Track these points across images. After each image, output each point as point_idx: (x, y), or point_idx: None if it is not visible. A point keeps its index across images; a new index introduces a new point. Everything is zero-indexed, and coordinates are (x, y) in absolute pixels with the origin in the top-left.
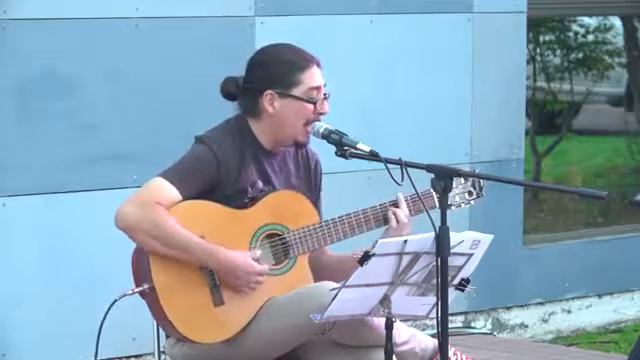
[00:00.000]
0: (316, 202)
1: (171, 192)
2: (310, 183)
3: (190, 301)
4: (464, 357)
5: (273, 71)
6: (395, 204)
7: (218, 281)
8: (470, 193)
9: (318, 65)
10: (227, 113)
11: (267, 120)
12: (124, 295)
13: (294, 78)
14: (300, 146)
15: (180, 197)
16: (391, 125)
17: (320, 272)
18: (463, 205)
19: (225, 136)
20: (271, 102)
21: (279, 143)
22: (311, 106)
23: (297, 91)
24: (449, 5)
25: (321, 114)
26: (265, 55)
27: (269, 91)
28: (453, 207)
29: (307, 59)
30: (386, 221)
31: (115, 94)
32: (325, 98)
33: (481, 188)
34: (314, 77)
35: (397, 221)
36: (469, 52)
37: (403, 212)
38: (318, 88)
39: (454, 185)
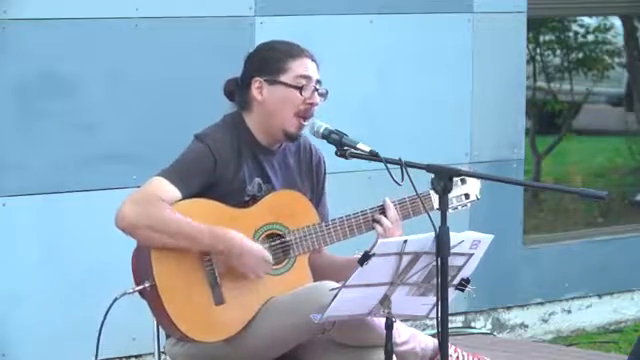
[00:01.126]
0: (319, 200)
1: (171, 190)
2: (312, 181)
3: (191, 300)
4: (465, 354)
5: (262, 59)
6: (382, 209)
7: (219, 280)
8: (467, 195)
9: (312, 59)
10: (227, 112)
11: (257, 110)
12: (125, 293)
13: (283, 65)
14: (291, 139)
15: (180, 195)
16: (391, 125)
17: (320, 274)
18: (460, 208)
19: (222, 133)
20: (259, 90)
21: (272, 137)
22: (299, 93)
23: (285, 77)
24: (449, 5)
25: (311, 105)
26: (258, 47)
27: (257, 78)
28: (450, 210)
29: (299, 50)
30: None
31: (115, 94)
32: (318, 92)
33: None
34: (304, 66)
35: (383, 229)
36: (469, 52)
37: (389, 219)
38: (308, 77)
39: (452, 187)
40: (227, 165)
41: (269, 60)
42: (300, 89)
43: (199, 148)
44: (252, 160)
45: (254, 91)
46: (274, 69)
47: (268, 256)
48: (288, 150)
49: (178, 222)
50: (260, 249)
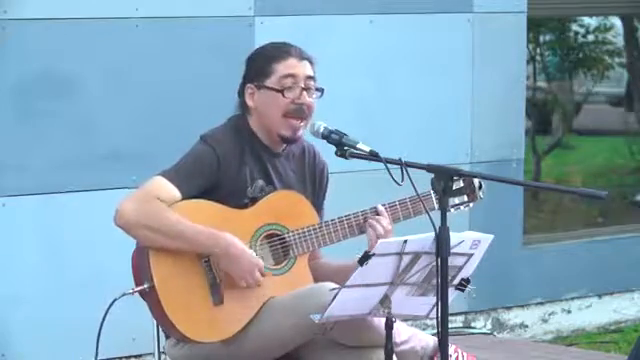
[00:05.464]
0: (319, 208)
1: (171, 190)
2: (314, 187)
3: (190, 300)
4: (465, 354)
5: (252, 66)
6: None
7: (218, 280)
8: (469, 195)
9: (300, 58)
10: (227, 112)
11: (255, 115)
12: (124, 294)
13: (268, 69)
14: (288, 141)
15: (180, 196)
16: (391, 125)
17: (320, 278)
18: (462, 207)
19: (226, 135)
20: (251, 96)
21: (272, 139)
22: (282, 96)
23: (269, 82)
24: (449, 5)
25: (300, 104)
26: (251, 52)
27: (249, 85)
28: (452, 209)
29: (285, 51)
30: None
31: (115, 94)
32: (310, 89)
33: (478, 187)
34: (288, 66)
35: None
36: (469, 52)
37: (383, 227)
38: (292, 76)
39: (453, 187)
40: (230, 166)
41: (256, 65)
42: (282, 91)
43: (202, 149)
44: (255, 161)
45: (247, 97)
46: (260, 74)
47: (262, 265)
48: (292, 154)
49: (174, 222)
50: (255, 257)
